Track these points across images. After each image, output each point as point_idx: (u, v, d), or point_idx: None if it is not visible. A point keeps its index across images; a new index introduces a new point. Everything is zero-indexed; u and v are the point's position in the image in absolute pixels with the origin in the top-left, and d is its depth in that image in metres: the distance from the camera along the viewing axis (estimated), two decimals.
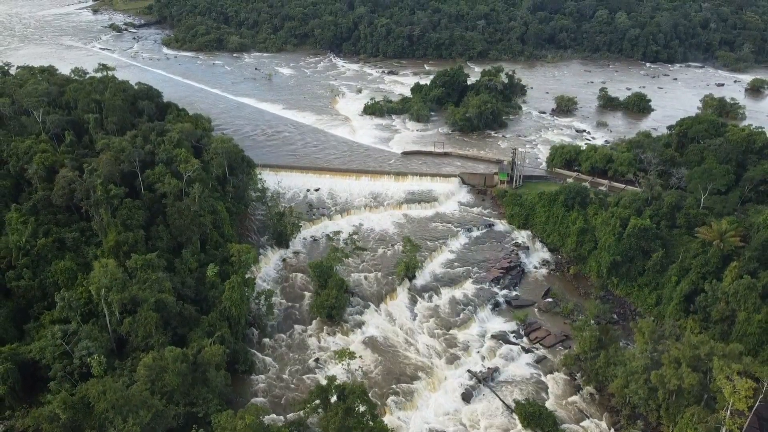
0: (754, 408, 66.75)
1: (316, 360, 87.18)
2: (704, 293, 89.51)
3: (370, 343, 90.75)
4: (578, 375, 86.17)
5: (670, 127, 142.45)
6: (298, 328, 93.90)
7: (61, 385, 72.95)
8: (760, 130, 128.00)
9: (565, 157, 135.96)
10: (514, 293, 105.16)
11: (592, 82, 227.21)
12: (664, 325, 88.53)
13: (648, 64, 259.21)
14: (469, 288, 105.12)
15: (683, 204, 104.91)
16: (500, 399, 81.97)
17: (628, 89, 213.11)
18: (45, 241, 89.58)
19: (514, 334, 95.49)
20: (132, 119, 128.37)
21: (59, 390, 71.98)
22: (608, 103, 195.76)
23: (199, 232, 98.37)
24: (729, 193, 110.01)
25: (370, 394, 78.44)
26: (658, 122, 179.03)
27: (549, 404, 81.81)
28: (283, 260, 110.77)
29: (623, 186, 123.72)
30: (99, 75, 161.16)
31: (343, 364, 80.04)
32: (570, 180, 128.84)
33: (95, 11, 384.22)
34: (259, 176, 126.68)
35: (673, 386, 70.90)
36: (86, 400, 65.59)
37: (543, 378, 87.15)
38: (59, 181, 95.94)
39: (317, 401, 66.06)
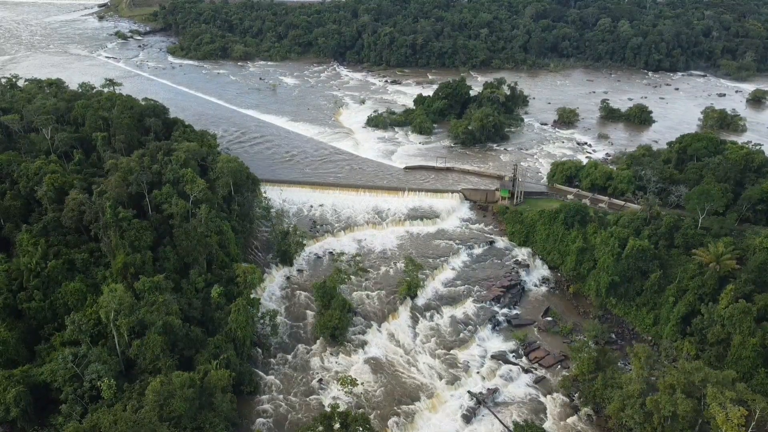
0: None
1: (320, 380, 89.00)
2: (701, 315, 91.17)
3: (372, 363, 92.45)
4: (576, 396, 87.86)
5: (670, 143, 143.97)
6: (301, 347, 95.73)
7: (72, 408, 74.94)
8: (758, 148, 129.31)
9: (565, 174, 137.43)
10: (514, 312, 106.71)
11: (594, 92, 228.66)
12: (660, 348, 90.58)
13: (650, 73, 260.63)
14: (469, 307, 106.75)
15: (681, 224, 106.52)
16: (500, 421, 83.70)
17: (630, 99, 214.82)
18: (55, 263, 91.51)
19: (513, 354, 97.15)
20: (139, 137, 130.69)
21: (70, 413, 74.28)
22: (609, 115, 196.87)
23: (205, 253, 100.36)
24: (727, 213, 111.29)
25: (371, 416, 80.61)
26: (660, 134, 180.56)
27: (547, 425, 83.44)
28: (288, 278, 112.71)
29: (623, 203, 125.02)
30: (106, 90, 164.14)
31: (345, 391, 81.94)
32: (570, 197, 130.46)
33: (101, 18, 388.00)
34: (264, 194, 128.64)
35: (667, 412, 72.60)
36: (97, 429, 67.48)
37: (542, 398, 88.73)
38: (69, 204, 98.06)
39: (321, 428, 67.89)
